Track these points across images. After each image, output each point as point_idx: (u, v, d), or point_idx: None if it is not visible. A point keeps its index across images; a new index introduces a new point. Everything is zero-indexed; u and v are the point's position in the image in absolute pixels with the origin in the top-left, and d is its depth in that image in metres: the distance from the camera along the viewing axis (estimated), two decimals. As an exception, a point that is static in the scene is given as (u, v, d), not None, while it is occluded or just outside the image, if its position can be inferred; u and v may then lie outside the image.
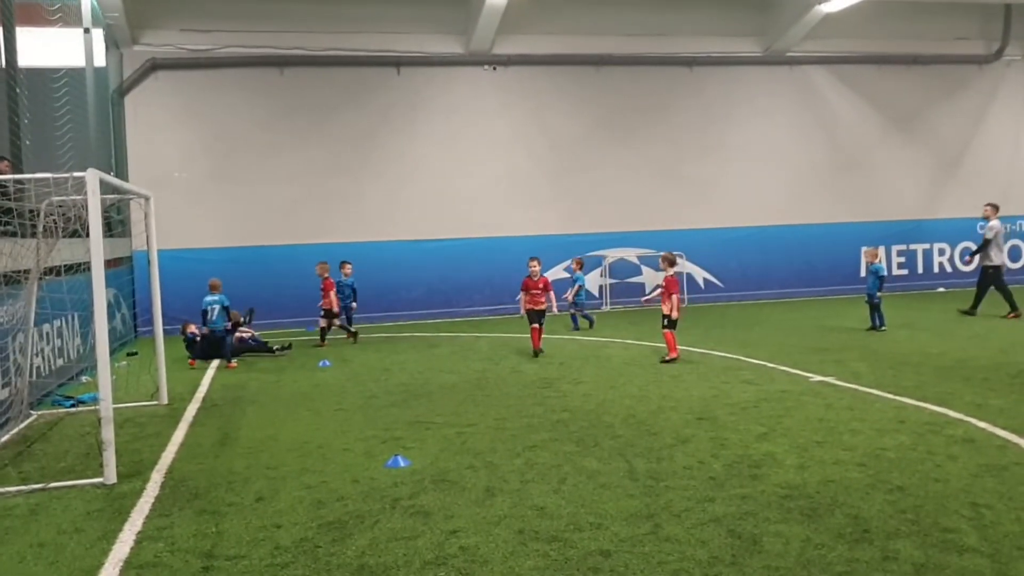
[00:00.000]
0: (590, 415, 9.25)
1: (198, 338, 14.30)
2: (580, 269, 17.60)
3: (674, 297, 12.57)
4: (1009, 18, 22.50)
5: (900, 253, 22.54)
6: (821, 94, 22.19)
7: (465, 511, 6.29)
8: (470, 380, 11.66)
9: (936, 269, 23.02)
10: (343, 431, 8.95)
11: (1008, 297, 16.43)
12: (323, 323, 15.90)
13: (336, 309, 15.88)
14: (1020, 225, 23.51)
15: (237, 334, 14.38)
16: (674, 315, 12.60)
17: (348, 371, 12.82)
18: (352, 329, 16.23)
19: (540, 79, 20.36)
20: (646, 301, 17.18)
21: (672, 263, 13.04)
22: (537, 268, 14.00)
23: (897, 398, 9.59)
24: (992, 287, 16.76)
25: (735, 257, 20.90)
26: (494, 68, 20.09)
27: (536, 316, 13.70)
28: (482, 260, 19.85)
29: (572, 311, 17.23)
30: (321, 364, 13.44)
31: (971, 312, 16.90)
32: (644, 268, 20.86)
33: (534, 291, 13.71)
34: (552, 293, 14.02)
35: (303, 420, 9.57)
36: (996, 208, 16.96)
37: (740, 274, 20.92)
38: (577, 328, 16.99)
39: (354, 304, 16.55)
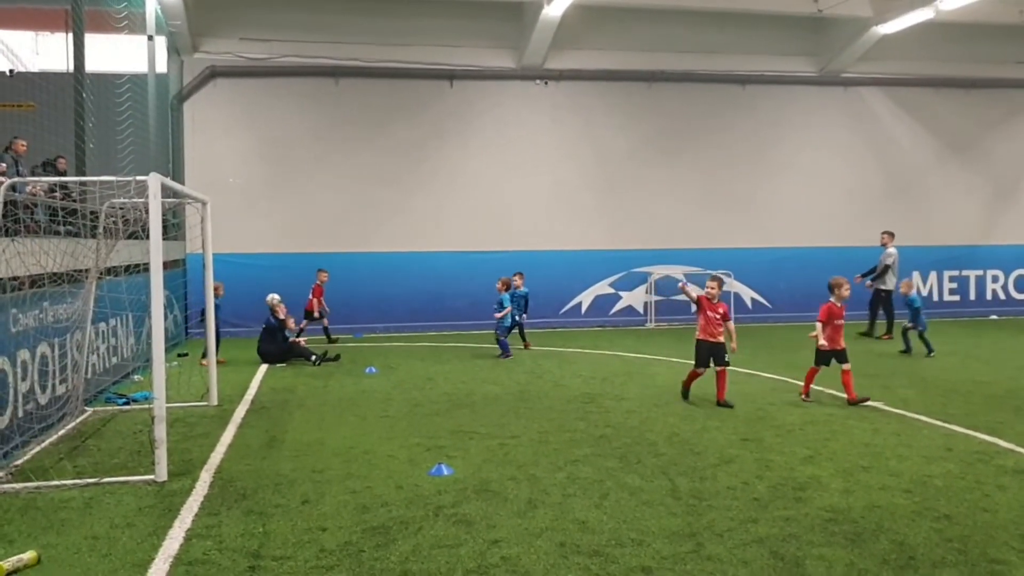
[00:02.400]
0: (633, 432, 9.24)
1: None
2: (506, 290, 15.82)
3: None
4: (1072, 42, 22.05)
5: (952, 279, 22.14)
6: (876, 116, 21.93)
7: (507, 522, 6.34)
8: (513, 392, 11.72)
9: (989, 296, 22.57)
10: (388, 437, 9.06)
11: (891, 320, 17.73)
12: (304, 324, 16.62)
13: (317, 313, 16.86)
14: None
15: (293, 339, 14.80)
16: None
17: (394, 379, 12.95)
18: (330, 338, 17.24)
19: (591, 94, 20.42)
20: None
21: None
22: (716, 289, 11.20)
23: (945, 425, 9.44)
24: (883, 306, 18.02)
25: (784, 277, 20.70)
26: (545, 83, 20.21)
27: (714, 352, 10.80)
28: (528, 273, 19.75)
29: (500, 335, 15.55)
30: (368, 371, 13.59)
31: (868, 334, 17.91)
32: (692, 285, 20.70)
33: (711, 313, 10.89)
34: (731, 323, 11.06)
35: (349, 425, 9.71)
36: (892, 235, 18.23)
37: (788, 295, 20.70)
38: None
39: (524, 315, 16.36)
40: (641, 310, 20.39)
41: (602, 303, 20.49)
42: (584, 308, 20.25)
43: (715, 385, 10.80)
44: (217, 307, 14.00)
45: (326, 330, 17.27)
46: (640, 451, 8.39)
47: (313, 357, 14.39)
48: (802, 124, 21.51)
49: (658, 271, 20.41)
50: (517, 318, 16.02)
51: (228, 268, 17.47)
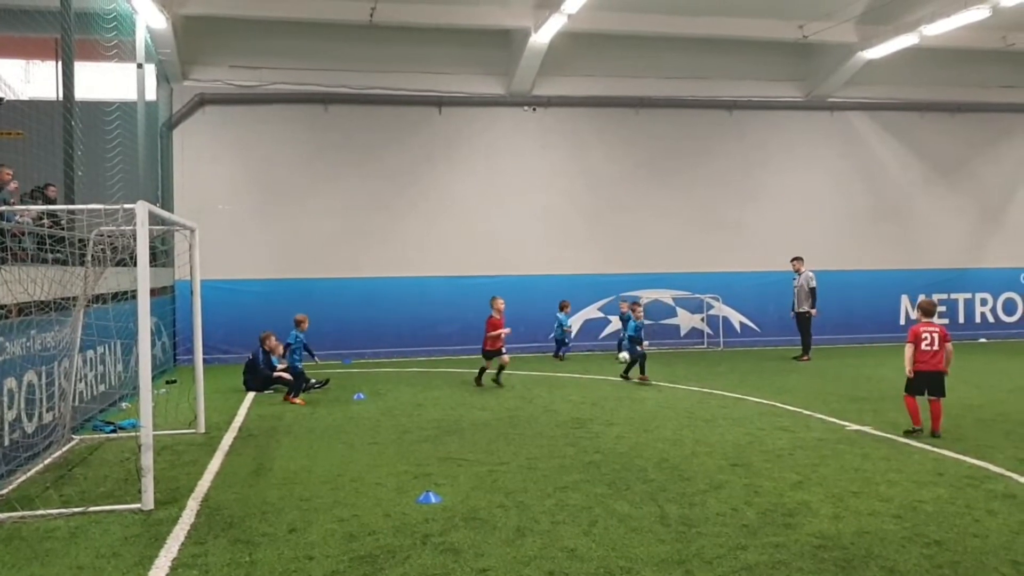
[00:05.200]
0: (622, 458, 9.21)
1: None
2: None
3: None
4: (1055, 68, 22.33)
5: (941, 302, 22.20)
6: (862, 140, 22.12)
7: (495, 550, 6.30)
8: (502, 418, 11.68)
9: (978, 319, 22.66)
10: (376, 465, 9.01)
11: (806, 341, 18.73)
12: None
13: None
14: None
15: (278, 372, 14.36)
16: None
17: (382, 405, 12.90)
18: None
19: (580, 120, 20.55)
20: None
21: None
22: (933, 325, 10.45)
23: (935, 450, 9.44)
24: (802, 328, 18.75)
25: (772, 301, 20.73)
26: (534, 109, 20.33)
27: (931, 382, 10.25)
28: (518, 298, 19.83)
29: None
30: (356, 397, 13.54)
31: (804, 357, 18.36)
32: (679, 310, 20.79)
33: (924, 347, 10.26)
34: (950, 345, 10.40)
35: (337, 453, 9.65)
36: (802, 260, 18.81)
37: (777, 319, 20.74)
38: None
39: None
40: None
41: (591, 327, 20.50)
42: (574, 332, 20.23)
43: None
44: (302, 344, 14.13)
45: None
46: (629, 477, 8.36)
47: (306, 384, 14.24)
48: (789, 149, 21.67)
49: (647, 295, 20.44)
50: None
51: (217, 294, 17.46)
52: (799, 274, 18.73)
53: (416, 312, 19.41)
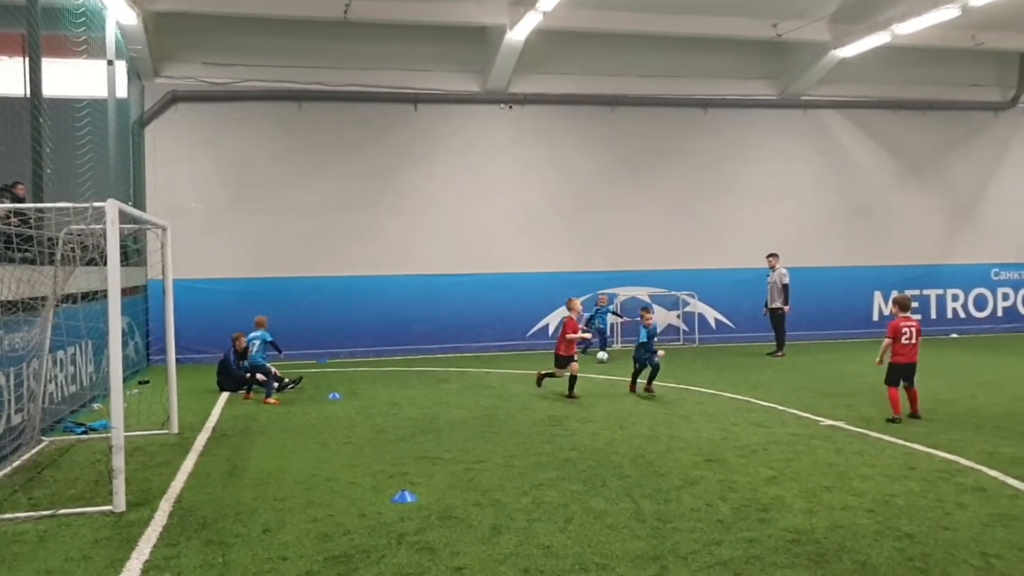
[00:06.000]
0: (598, 454, 9.23)
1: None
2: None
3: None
4: (1024, 66, 22.63)
5: (914, 299, 22.37)
6: (836, 138, 22.29)
7: (471, 548, 6.28)
8: (479, 416, 11.66)
9: (949, 315, 22.92)
10: (351, 465, 8.96)
11: (780, 338, 18.80)
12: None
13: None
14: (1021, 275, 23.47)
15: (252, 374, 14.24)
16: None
17: (357, 404, 12.83)
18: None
19: (555, 118, 20.55)
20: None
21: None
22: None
23: (908, 444, 9.53)
24: (776, 324, 18.88)
25: (747, 298, 20.84)
26: (510, 107, 20.30)
27: (907, 373, 11.02)
28: (495, 296, 19.92)
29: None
30: (331, 397, 13.46)
31: (779, 353, 18.49)
32: (655, 307, 20.82)
33: (904, 341, 10.91)
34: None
35: (311, 452, 9.59)
36: (778, 257, 18.92)
37: (752, 315, 20.86)
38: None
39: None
40: (607, 331, 20.37)
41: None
42: (551, 330, 20.24)
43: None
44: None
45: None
46: (605, 474, 8.37)
47: (276, 384, 14.14)
48: (763, 146, 21.79)
49: (624, 292, 20.49)
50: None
51: (190, 294, 17.31)
52: (773, 270, 18.87)
53: (392, 311, 19.35)
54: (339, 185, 19.36)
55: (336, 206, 19.31)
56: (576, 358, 13.36)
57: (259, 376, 13.88)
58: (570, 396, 12.95)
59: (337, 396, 13.49)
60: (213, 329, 17.36)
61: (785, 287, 18.62)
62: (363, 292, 19.22)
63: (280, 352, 14.71)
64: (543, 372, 13.85)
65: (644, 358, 13.40)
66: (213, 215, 18.68)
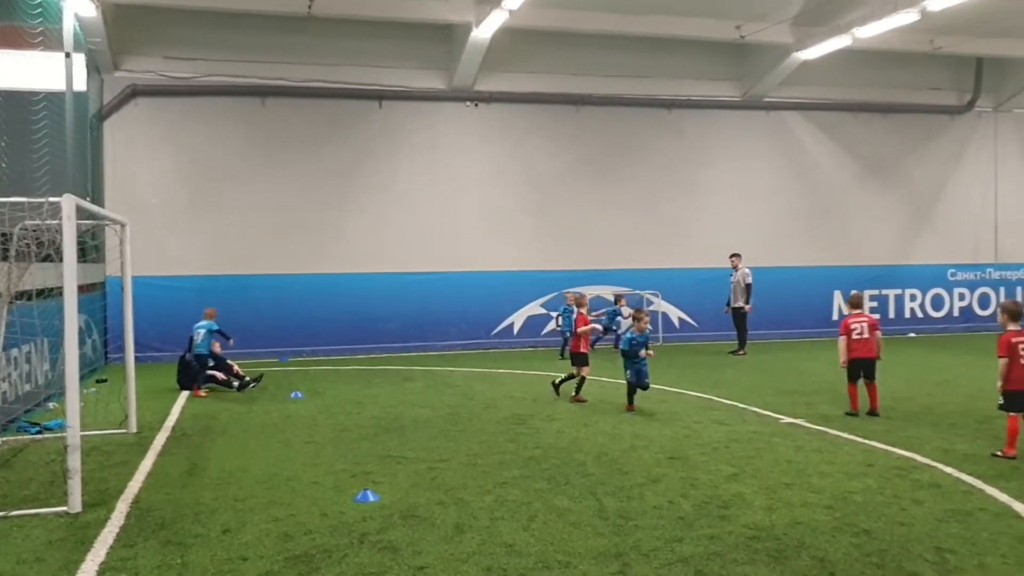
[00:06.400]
0: (562, 452, 9.24)
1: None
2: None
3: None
4: (980, 71, 23.01)
5: (873, 298, 22.75)
6: (797, 139, 22.54)
7: (433, 547, 6.26)
8: (443, 415, 11.62)
9: (908, 314, 23.27)
10: (313, 464, 8.88)
11: (742, 336, 19.01)
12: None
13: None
14: (990, 273, 23.86)
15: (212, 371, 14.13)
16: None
17: (320, 403, 12.74)
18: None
19: (521, 116, 20.55)
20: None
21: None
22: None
23: (866, 441, 9.67)
24: (738, 323, 19.10)
25: (709, 297, 21.00)
26: (476, 104, 20.26)
27: (865, 368, 11.16)
28: (459, 295, 19.87)
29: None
30: (293, 395, 13.34)
31: (740, 352, 18.70)
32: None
33: (856, 336, 11.13)
34: (880, 333, 11.31)
35: (273, 452, 9.50)
36: (740, 256, 19.16)
37: (715, 314, 21.03)
38: None
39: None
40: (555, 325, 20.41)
41: (534, 324, 20.54)
42: (516, 329, 20.28)
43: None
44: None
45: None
46: (569, 472, 8.39)
47: (235, 383, 14.04)
48: (727, 147, 21.97)
49: (589, 291, 20.50)
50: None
51: (149, 291, 17.11)
52: (736, 270, 19.06)
53: (356, 309, 19.23)
54: (302, 182, 19.19)
55: (299, 203, 19.14)
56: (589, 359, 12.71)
57: (220, 376, 13.80)
58: (577, 399, 12.44)
59: (299, 395, 13.38)
60: (173, 327, 17.12)
61: (748, 287, 18.82)
62: (326, 290, 19.07)
63: (229, 339, 14.43)
64: (560, 379, 12.97)
65: (634, 369, 11.71)
66: (174, 211, 18.43)
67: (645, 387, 11.86)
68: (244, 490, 7.86)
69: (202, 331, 13.97)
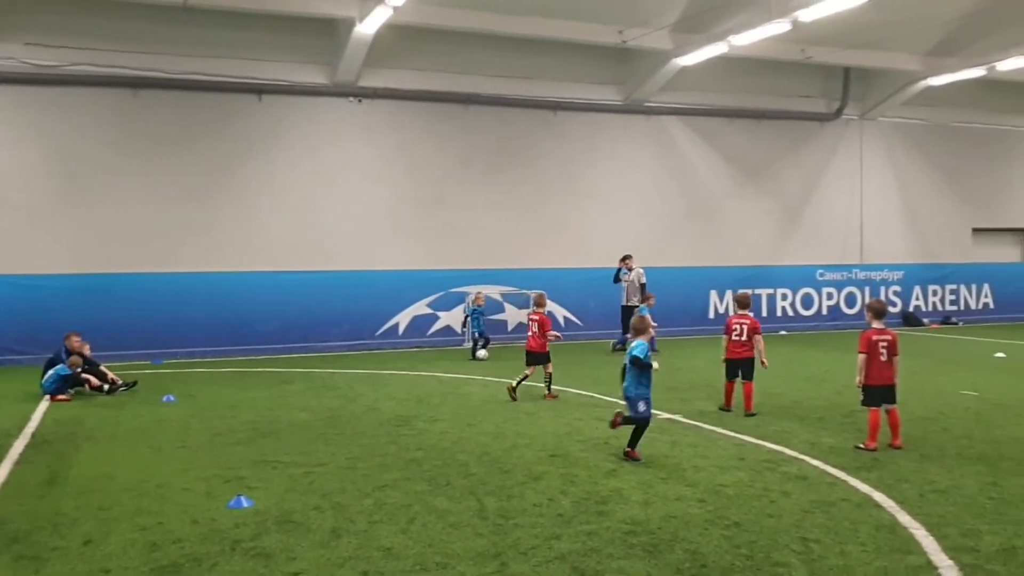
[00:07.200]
0: (444, 453, 9.20)
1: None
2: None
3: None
4: (848, 80, 24.21)
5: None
6: (676, 144, 23.15)
7: (309, 553, 6.11)
8: (322, 418, 11.39)
9: (779, 313, 24.22)
10: (184, 470, 8.56)
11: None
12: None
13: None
14: (856, 274, 25.10)
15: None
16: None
17: (193, 407, 12.28)
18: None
19: (406, 114, 20.37)
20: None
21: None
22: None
23: (738, 436, 10.00)
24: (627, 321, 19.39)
25: (594, 296, 21.34)
26: (359, 100, 19.97)
27: (742, 367, 11.45)
28: (342, 294, 19.51)
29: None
30: (165, 399, 12.82)
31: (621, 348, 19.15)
32: (507, 305, 21.02)
33: (735, 337, 11.51)
34: (761, 337, 11.52)
35: (142, 458, 9.10)
36: (632, 258, 19.70)
37: (599, 313, 21.37)
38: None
39: None
40: (459, 330, 20.41)
41: (420, 324, 20.38)
42: (401, 329, 20.08)
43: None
44: None
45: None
46: (450, 473, 8.35)
47: (105, 387, 13.40)
48: (610, 150, 22.36)
49: (476, 291, 20.53)
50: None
51: (11, 290, 16.25)
52: (630, 271, 19.50)
53: (232, 309, 18.61)
54: (177, 177, 18.45)
55: (173, 199, 18.39)
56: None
57: (93, 380, 13.24)
58: (549, 395, 12.70)
59: (171, 398, 12.85)
60: (37, 328, 16.27)
61: (643, 286, 19.26)
62: (202, 289, 18.39)
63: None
64: (516, 381, 12.65)
65: (644, 393, 8.92)
66: (36, 207, 17.43)
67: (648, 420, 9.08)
68: (109, 498, 7.50)
69: (51, 372, 13.18)
